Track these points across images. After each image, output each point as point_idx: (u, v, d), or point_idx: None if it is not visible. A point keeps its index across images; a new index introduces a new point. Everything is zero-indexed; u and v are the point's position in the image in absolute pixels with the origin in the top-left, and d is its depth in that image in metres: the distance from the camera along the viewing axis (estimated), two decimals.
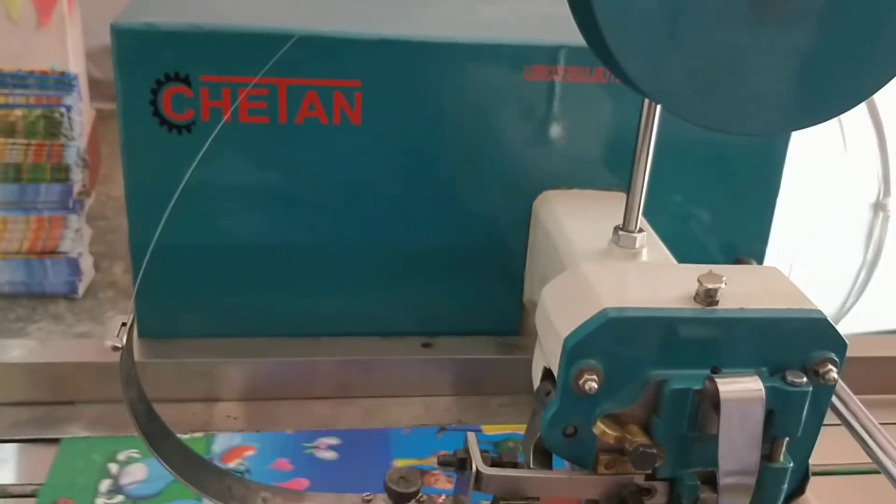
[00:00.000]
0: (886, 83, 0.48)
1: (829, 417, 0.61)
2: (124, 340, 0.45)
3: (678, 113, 0.51)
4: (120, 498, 0.59)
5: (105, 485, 0.60)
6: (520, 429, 0.64)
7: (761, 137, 0.73)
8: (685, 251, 0.63)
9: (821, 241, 1.75)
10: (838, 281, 1.82)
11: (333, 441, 0.65)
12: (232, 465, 0.62)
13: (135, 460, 0.62)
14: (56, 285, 2.09)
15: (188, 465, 0.50)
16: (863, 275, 1.82)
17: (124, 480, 0.60)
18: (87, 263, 2.13)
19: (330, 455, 0.64)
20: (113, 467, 0.61)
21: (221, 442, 0.64)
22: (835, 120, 1.73)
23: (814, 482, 0.63)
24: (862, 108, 1.76)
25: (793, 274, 1.77)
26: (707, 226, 0.76)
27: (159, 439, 0.49)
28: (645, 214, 0.65)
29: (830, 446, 0.65)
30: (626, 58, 0.48)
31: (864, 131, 1.76)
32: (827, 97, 0.49)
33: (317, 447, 0.64)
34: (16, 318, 2.03)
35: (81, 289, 2.11)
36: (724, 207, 0.76)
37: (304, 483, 0.60)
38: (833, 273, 1.80)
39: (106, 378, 0.67)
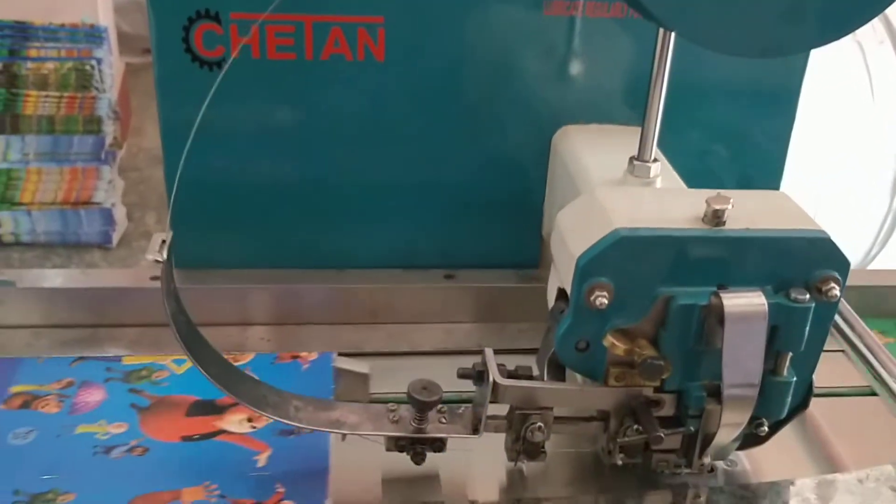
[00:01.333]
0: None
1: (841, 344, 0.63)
2: (165, 255, 0.48)
3: (692, 38, 0.53)
4: None
5: None
6: (160, 359, 0.67)
7: (775, 71, 0.74)
8: (701, 186, 0.65)
9: (846, 190, 1.76)
10: (863, 230, 1.82)
11: None
12: None
13: None
14: (90, 235, 2.15)
15: (225, 373, 0.54)
16: (888, 223, 1.82)
17: None
18: (120, 214, 2.18)
19: None
20: None
21: None
22: (863, 69, 1.71)
23: (822, 403, 0.66)
24: (891, 55, 1.75)
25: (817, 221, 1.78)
26: (722, 160, 0.78)
27: (198, 349, 0.53)
28: (662, 151, 0.67)
29: (839, 371, 0.68)
30: None
31: (893, 80, 1.75)
32: (836, 14, 0.51)
33: None
34: (52, 266, 2.08)
35: (115, 238, 2.16)
36: (739, 142, 0.77)
37: None
38: (858, 222, 1.81)
39: (143, 302, 0.71)
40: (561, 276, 0.55)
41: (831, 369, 0.64)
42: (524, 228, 0.79)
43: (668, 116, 0.62)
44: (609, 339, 0.52)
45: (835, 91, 1.74)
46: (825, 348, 0.55)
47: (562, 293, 0.56)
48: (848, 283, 0.77)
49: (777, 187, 0.78)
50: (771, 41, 0.52)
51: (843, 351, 0.64)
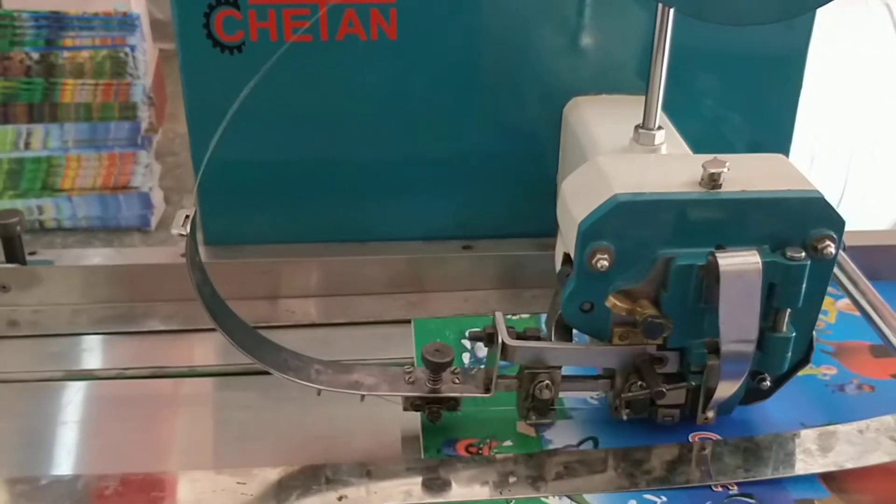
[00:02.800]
0: None
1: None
2: (188, 229, 0.51)
3: (682, 10, 0.55)
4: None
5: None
6: None
7: (781, 36, 0.75)
8: (712, 152, 0.67)
9: (878, 156, 1.75)
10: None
11: None
12: None
13: None
14: (130, 219, 2.21)
15: (249, 339, 0.57)
16: None
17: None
18: (158, 197, 2.24)
19: None
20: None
21: None
22: (892, 30, 1.69)
23: None
24: None
25: (847, 188, 1.77)
26: (732, 126, 0.79)
27: (223, 317, 0.56)
28: (673, 118, 0.69)
29: None
30: None
31: None
32: None
33: None
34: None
35: (154, 221, 2.22)
36: (747, 108, 0.79)
37: None
38: (890, 188, 1.80)
39: (177, 278, 0.74)
40: (566, 241, 0.58)
41: None
42: (540, 198, 0.81)
43: (677, 84, 0.64)
44: (611, 300, 0.55)
45: (865, 53, 1.73)
46: None
47: (567, 258, 0.58)
48: (879, 242, 0.79)
49: (787, 151, 0.80)
50: (751, 10, 0.54)
51: None
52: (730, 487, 0.56)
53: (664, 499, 0.55)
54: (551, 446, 0.59)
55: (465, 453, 0.59)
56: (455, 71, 0.75)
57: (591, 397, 0.63)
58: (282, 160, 0.78)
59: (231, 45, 0.72)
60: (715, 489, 0.56)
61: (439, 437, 0.60)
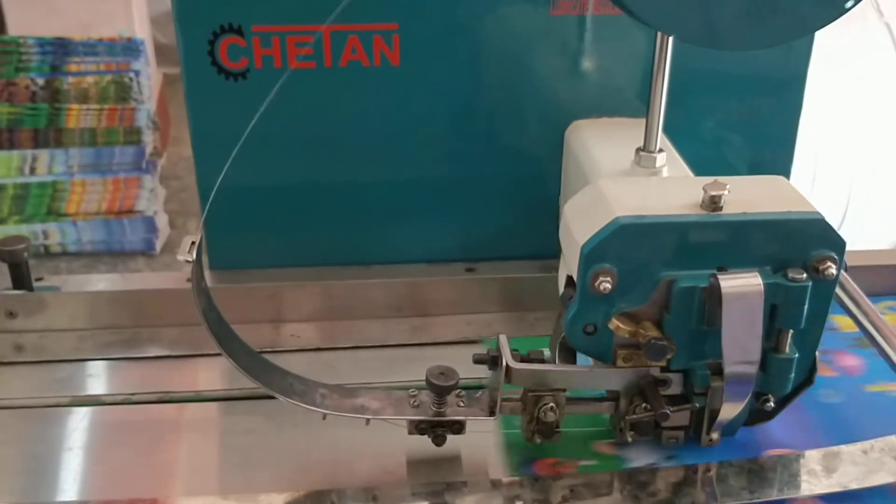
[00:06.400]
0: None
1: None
2: (194, 255, 0.52)
3: (678, 36, 0.55)
4: None
5: None
6: None
7: (781, 58, 0.76)
8: (714, 173, 0.67)
9: (880, 174, 1.75)
10: None
11: None
12: None
13: None
14: (134, 243, 2.21)
15: (254, 364, 0.57)
16: None
17: None
18: (162, 221, 2.25)
19: None
20: None
21: None
22: (892, 49, 1.69)
23: None
24: None
25: (850, 207, 1.78)
26: (734, 147, 0.80)
27: (229, 342, 0.56)
28: (674, 140, 0.69)
29: None
30: None
31: None
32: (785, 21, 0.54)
33: None
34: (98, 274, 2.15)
35: (158, 245, 2.22)
36: (749, 129, 0.79)
37: None
38: (893, 206, 1.80)
39: (182, 303, 0.75)
40: (568, 263, 0.58)
41: None
42: (542, 220, 0.81)
43: (677, 106, 0.64)
44: (614, 323, 0.55)
45: (865, 72, 1.74)
46: None
47: (570, 280, 0.58)
48: (881, 262, 0.79)
49: (788, 171, 0.80)
50: (740, 37, 0.54)
51: None
52: None
53: None
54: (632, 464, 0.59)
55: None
56: (457, 95, 0.76)
57: None
58: (286, 185, 0.78)
59: (235, 71, 0.73)
60: None
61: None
